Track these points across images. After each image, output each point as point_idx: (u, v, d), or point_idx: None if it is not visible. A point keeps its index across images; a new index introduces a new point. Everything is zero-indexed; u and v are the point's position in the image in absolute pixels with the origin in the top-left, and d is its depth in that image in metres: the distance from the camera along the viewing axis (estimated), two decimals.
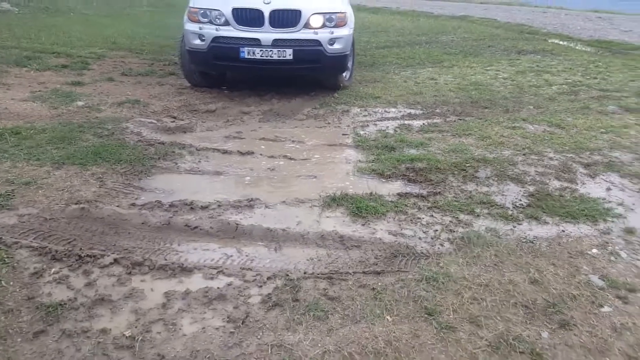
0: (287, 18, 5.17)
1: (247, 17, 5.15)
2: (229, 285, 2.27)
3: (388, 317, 2.05)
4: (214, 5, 5.23)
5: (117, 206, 2.91)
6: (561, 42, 11.50)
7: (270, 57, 5.18)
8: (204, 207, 3.00)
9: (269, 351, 1.86)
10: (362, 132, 4.57)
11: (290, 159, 3.92)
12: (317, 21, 5.25)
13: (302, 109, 5.30)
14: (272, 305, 2.13)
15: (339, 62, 5.52)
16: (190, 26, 5.33)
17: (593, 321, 2.07)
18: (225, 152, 3.99)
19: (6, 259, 2.31)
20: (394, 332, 1.95)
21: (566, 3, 24.73)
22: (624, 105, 5.49)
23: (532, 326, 2.02)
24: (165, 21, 12.98)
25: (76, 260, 2.38)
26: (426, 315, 2.06)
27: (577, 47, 10.62)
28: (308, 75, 6.16)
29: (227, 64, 5.34)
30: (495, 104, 5.52)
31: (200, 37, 5.25)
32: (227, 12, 5.17)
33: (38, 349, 1.84)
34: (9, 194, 2.91)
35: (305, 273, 2.37)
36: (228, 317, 2.05)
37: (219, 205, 3.03)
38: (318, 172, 3.67)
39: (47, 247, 2.43)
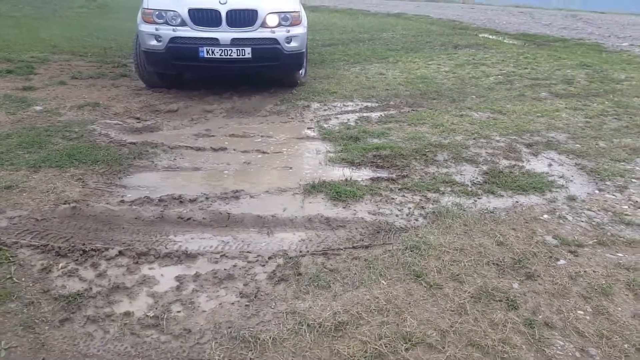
0: (244, 17, 5.32)
1: (204, 17, 5.26)
2: (234, 266, 2.45)
3: (383, 282, 2.32)
4: (170, 7, 5.29)
5: (107, 204, 2.99)
6: (491, 37, 12.34)
7: (230, 55, 5.32)
8: (193, 200, 3.14)
9: (285, 318, 2.07)
10: (325, 125, 4.83)
11: (263, 152, 4.11)
12: (273, 20, 5.45)
13: (264, 106, 5.48)
14: (278, 280, 2.34)
15: (296, 59, 5.74)
16: (146, 27, 5.35)
17: (552, 272, 2.44)
18: (198, 149, 4.11)
19: (10, 258, 2.36)
20: (391, 293, 2.23)
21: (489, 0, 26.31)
22: (554, 91, 6.11)
23: (504, 279, 2.37)
24: (100, 23, 12.62)
25: (81, 254, 2.46)
26: (415, 277, 2.35)
27: (505, 41, 11.44)
28: (265, 73, 6.34)
29: (186, 63, 5.41)
30: (442, 95, 5.95)
31: (157, 37, 5.30)
32: (184, 12, 5.24)
33: (67, 334, 1.94)
34: None
35: (301, 251, 2.59)
36: (240, 293, 2.24)
37: (207, 198, 3.18)
38: (292, 163, 3.88)
39: (49, 245, 2.50)
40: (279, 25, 5.49)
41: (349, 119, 5.04)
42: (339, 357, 1.86)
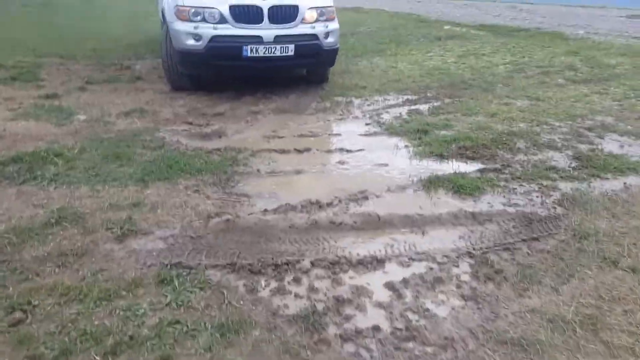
0: (285, 13, 5.16)
1: (246, 14, 5.04)
2: (430, 269, 2.40)
3: (587, 271, 2.36)
4: (209, 3, 5.02)
5: (250, 214, 2.82)
6: (455, 28, 12.73)
7: (273, 53, 5.14)
8: (329, 204, 3.03)
9: (529, 317, 2.07)
10: (382, 120, 4.80)
11: (347, 150, 4.03)
12: (312, 16, 5.33)
13: (306, 104, 5.36)
14: (485, 280, 2.32)
15: (333, 55, 5.67)
16: (182, 25, 5.04)
17: None
18: (282, 151, 3.95)
19: (209, 281, 2.17)
20: (606, 281, 2.28)
21: None
22: (568, 77, 6.45)
23: None
24: (56, 22, 11.69)
25: (273, 269, 2.31)
26: (613, 264, 2.41)
27: (472, 32, 11.84)
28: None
29: (227, 63, 5.16)
30: (470, 85, 6.10)
31: (195, 36, 5.01)
32: (224, 9, 4.99)
33: (333, 356, 1.82)
34: (129, 218, 2.65)
35: (480, 248, 2.58)
36: (462, 296, 2.21)
37: (340, 201, 3.08)
38: (384, 160, 3.83)
39: (237, 263, 2.32)
40: (317, 20, 5.38)
41: (400, 113, 5.04)
42: (613, 349, 1.88)
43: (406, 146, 4.13)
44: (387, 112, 5.08)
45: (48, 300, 1.98)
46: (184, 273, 2.22)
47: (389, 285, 2.25)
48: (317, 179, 3.46)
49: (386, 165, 3.76)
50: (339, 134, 4.44)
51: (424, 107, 5.21)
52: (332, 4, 5.58)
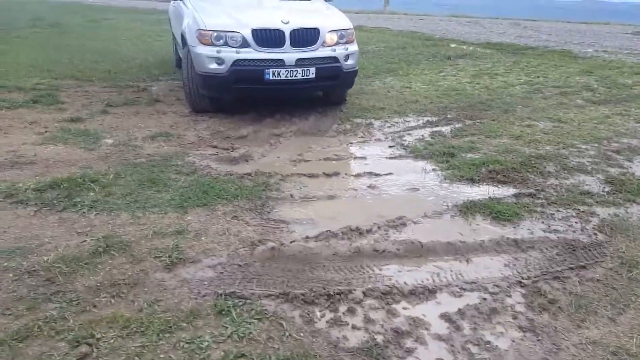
0: (307, 37, 5.21)
1: (268, 38, 5.08)
2: (484, 299, 2.38)
3: None
4: (231, 27, 5.07)
5: (292, 242, 2.80)
6: (462, 46, 12.85)
7: (295, 76, 5.18)
8: (369, 231, 3.02)
9: (590, 348, 2.04)
10: (405, 143, 4.81)
11: (375, 174, 4.02)
12: (332, 38, 5.37)
13: (327, 126, 5.37)
14: (540, 310, 2.30)
15: (352, 77, 5.71)
16: (204, 49, 5.08)
17: None
18: (311, 175, 3.95)
19: (265, 313, 2.15)
20: None
21: (408, 7, 27.28)
22: (586, 98, 6.49)
23: None
24: (68, 44, 11.77)
25: (326, 299, 2.30)
26: None
27: (480, 50, 11.95)
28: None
29: (250, 86, 5.19)
30: (489, 106, 6.14)
31: (218, 60, 5.05)
32: (247, 33, 5.04)
33: None
34: (176, 247, 2.63)
35: (528, 278, 2.57)
36: (519, 327, 2.18)
37: (379, 227, 3.07)
38: (414, 184, 3.83)
39: (289, 293, 2.30)
40: (337, 43, 5.43)
41: (422, 135, 5.06)
42: None
43: (434, 170, 4.14)
44: (409, 134, 5.10)
45: (110, 332, 1.96)
46: (240, 303, 2.21)
47: (445, 317, 2.23)
48: (351, 204, 3.45)
49: (417, 189, 3.76)
50: (364, 157, 4.44)
51: (445, 129, 5.23)
52: (352, 27, 5.64)
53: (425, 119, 5.65)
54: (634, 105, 6.12)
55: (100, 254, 2.53)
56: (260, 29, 5.07)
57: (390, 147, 4.75)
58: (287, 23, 5.15)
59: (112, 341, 1.92)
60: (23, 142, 4.28)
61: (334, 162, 4.33)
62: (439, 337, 2.10)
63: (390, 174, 4.06)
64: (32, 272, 2.35)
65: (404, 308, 2.29)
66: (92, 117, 5.17)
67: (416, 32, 16.94)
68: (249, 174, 3.82)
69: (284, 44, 5.13)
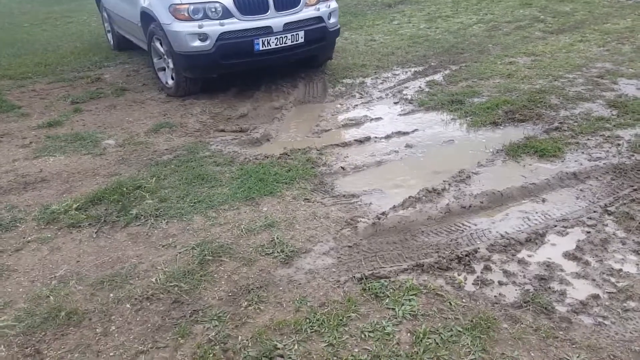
0: None
1: (251, 4, 4.76)
2: (588, 233, 2.56)
3: None
4: None
5: (383, 213, 2.79)
6: None
7: (285, 43, 4.95)
8: (444, 189, 3.07)
9: None
10: (407, 97, 4.86)
11: (403, 133, 4.05)
12: None
13: (321, 91, 5.27)
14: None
15: (336, 35, 5.58)
16: (183, 26, 4.67)
17: None
18: (344, 144, 3.89)
19: (415, 288, 2.16)
20: None
21: None
22: (542, 29, 6.86)
23: None
24: None
25: (457, 262, 2.35)
26: None
27: None
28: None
29: (239, 61, 4.88)
30: (462, 49, 6.29)
31: (201, 36, 4.68)
32: (228, 2, 4.68)
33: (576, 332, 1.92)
34: (279, 241, 2.52)
35: (607, 205, 2.77)
36: (634, 251, 2.37)
37: (449, 184, 3.13)
38: (448, 135, 3.92)
39: (423, 264, 2.31)
40: (318, 1, 5.23)
41: (419, 86, 5.12)
42: None
43: (453, 119, 4.24)
44: (405, 88, 5.13)
45: (287, 340, 1.88)
46: (385, 283, 2.18)
47: (569, 255, 2.37)
48: (402, 166, 3.48)
49: (452, 141, 3.84)
50: (380, 118, 4.43)
51: (437, 78, 5.32)
52: None
53: (412, 69, 5.70)
54: (587, 30, 6.57)
55: (208, 262, 2.37)
56: None
57: (395, 103, 4.77)
58: None
59: (297, 347, 1.84)
60: (13, 158, 3.78)
61: (354, 128, 4.28)
62: (578, 275, 2.23)
63: (416, 130, 4.11)
64: (150, 298, 2.16)
65: (529, 256, 2.39)
66: (68, 119, 4.65)
67: None
68: (286, 154, 3.67)
69: (268, 8, 4.84)
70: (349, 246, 2.51)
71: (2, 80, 6.38)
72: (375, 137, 4.00)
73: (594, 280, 2.20)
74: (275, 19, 4.87)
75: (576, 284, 2.19)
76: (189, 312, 2.07)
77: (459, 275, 2.27)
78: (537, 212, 2.80)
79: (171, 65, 5.03)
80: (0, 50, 8.19)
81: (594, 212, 2.72)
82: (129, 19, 5.98)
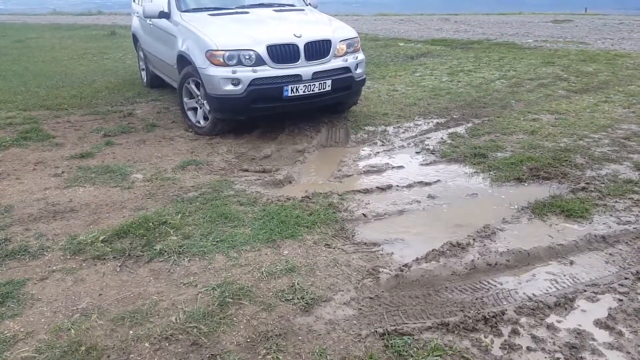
0: (320, 49, 5.13)
1: (283, 53, 4.95)
2: (620, 300, 2.48)
3: None
4: (244, 45, 4.88)
5: (405, 265, 2.75)
6: (411, 44, 13.20)
7: (312, 91, 5.09)
8: (469, 244, 3.03)
9: None
10: (430, 147, 4.89)
11: (426, 183, 4.05)
12: (342, 48, 5.34)
13: (343, 137, 5.34)
14: None
15: (362, 85, 5.73)
16: (217, 71, 4.86)
17: None
18: (366, 191, 3.90)
19: (440, 348, 2.10)
20: None
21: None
22: (566, 88, 6.92)
23: None
24: (4, 67, 10.76)
25: (484, 324, 2.28)
26: None
27: (431, 47, 12.29)
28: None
29: (268, 105, 5.03)
30: (484, 103, 6.37)
31: (234, 81, 4.84)
32: (262, 50, 4.87)
33: None
34: (299, 287, 2.50)
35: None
36: None
37: (474, 239, 3.10)
38: (470, 189, 3.91)
39: (449, 323, 2.26)
40: (347, 53, 5.40)
41: (441, 138, 5.16)
42: None
43: (476, 172, 4.24)
44: (428, 138, 5.17)
45: None
46: (409, 341, 2.13)
47: (600, 324, 2.29)
48: (425, 217, 3.46)
49: (476, 194, 3.83)
50: (402, 166, 4.45)
51: (460, 130, 5.36)
52: (357, 35, 5.64)
53: (434, 120, 5.76)
54: (611, 92, 6.61)
55: (229, 305, 2.35)
56: (275, 45, 4.93)
57: (417, 152, 4.80)
58: (300, 37, 5.04)
59: None
60: (45, 186, 3.87)
61: (375, 175, 4.30)
62: (611, 346, 2.15)
63: (439, 180, 4.11)
64: (169, 338, 2.14)
65: (559, 321, 2.32)
66: (99, 151, 4.78)
67: (359, 33, 17.13)
68: (308, 197, 3.69)
69: (299, 58, 5.01)
70: (371, 297, 2.47)
71: (40, 110, 6.63)
72: (397, 186, 4.01)
73: (628, 353, 2.12)
74: (305, 68, 5.03)
75: (610, 355, 2.11)
76: (207, 356, 2.04)
77: (485, 337, 2.20)
78: (565, 275, 2.74)
79: (207, 107, 5.17)
80: (40, 82, 8.55)
81: (626, 278, 2.65)
82: (165, 60, 6.21)
